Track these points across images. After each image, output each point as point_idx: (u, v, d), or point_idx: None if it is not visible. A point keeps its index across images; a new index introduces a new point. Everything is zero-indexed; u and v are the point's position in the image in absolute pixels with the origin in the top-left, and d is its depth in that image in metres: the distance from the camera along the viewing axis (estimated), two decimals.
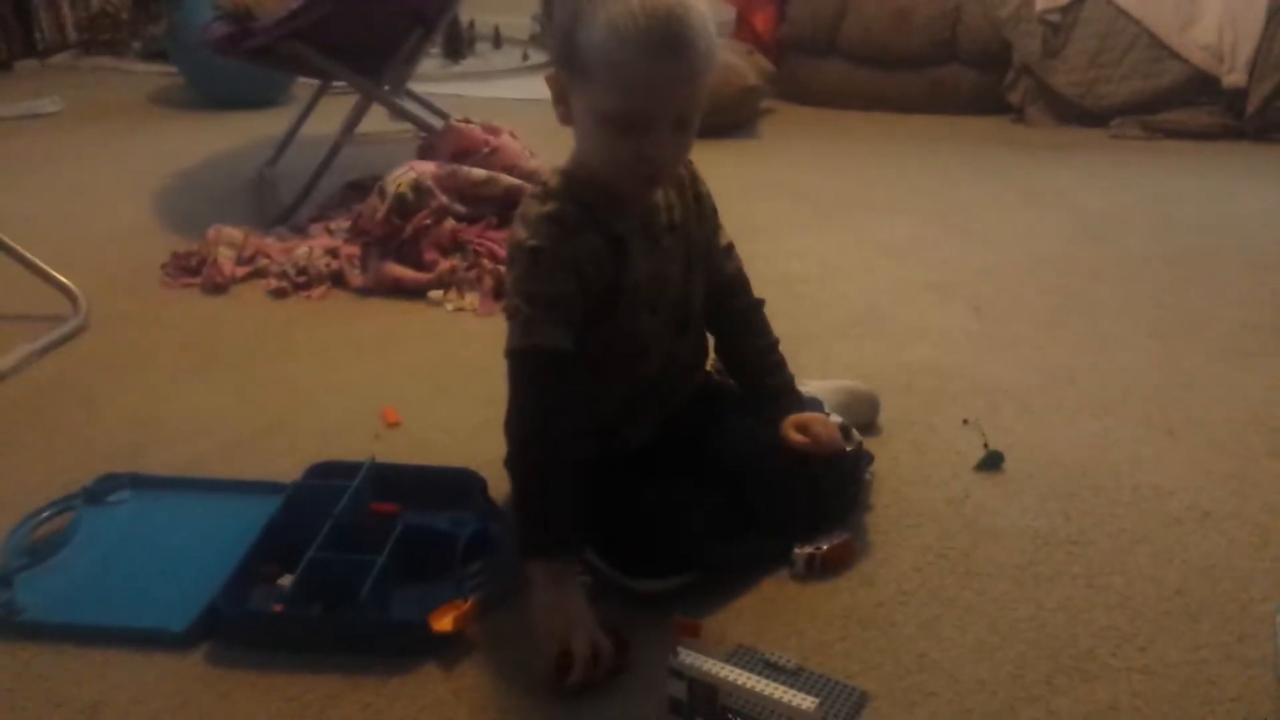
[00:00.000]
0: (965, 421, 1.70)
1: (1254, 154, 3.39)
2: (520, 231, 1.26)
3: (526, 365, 1.25)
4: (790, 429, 1.38)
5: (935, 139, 3.56)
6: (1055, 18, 3.64)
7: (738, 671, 1.07)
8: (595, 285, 1.27)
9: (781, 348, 1.48)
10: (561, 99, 1.24)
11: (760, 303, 1.49)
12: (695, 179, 1.39)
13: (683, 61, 1.16)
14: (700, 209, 1.39)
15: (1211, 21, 3.54)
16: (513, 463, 1.26)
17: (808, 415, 1.40)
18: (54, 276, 2.10)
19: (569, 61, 1.19)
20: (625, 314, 1.31)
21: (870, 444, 1.56)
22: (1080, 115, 3.68)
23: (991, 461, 1.59)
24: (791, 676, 1.16)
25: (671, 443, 1.41)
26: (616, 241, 1.28)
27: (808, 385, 1.66)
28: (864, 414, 1.66)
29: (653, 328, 1.35)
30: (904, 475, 1.56)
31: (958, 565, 1.37)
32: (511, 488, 1.28)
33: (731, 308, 1.46)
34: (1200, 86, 3.59)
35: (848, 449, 1.41)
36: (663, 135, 1.19)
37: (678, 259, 1.35)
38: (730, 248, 1.46)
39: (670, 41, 1.14)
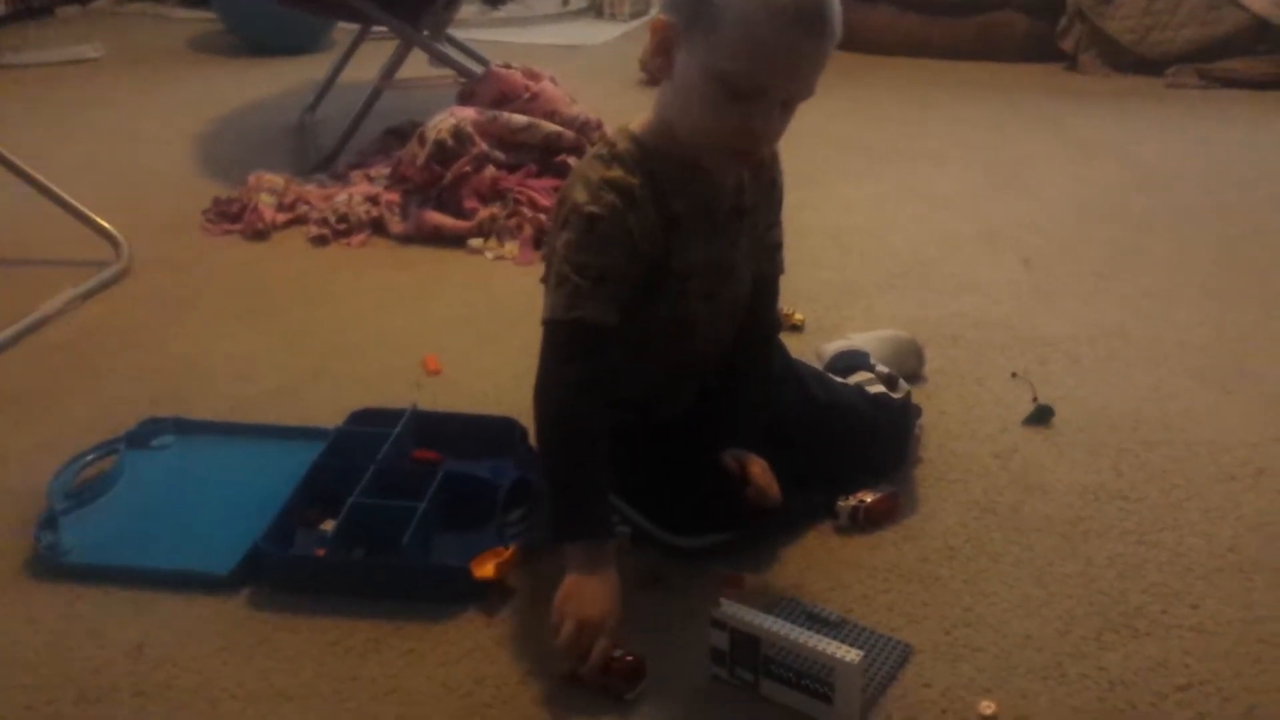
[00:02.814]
0: (1014, 375, 1.67)
1: None
2: (580, 193, 1.17)
3: (567, 338, 1.17)
4: (729, 458, 1.28)
5: (985, 87, 3.49)
6: None
7: (780, 622, 1.06)
8: (646, 263, 1.19)
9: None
10: (665, 49, 1.14)
11: (778, 325, 1.41)
12: (775, 162, 1.31)
13: (820, 40, 1.10)
14: (771, 196, 1.31)
15: None
16: (544, 440, 1.20)
17: (751, 458, 1.27)
18: (96, 221, 2.11)
19: (692, 12, 1.10)
20: (671, 299, 1.23)
21: (917, 397, 1.53)
22: (1135, 63, 3.59)
23: (1040, 415, 1.56)
24: (834, 629, 1.15)
25: (705, 398, 1.36)
26: (671, 220, 1.20)
27: (852, 337, 1.64)
28: (909, 364, 1.63)
29: (706, 314, 1.27)
30: (950, 429, 1.54)
31: (1005, 520, 1.35)
32: (543, 466, 1.24)
33: (756, 318, 1.34)
34: (1259, 34, 3.49)
35: (782, 502, 1.27)
36: (771, 111, 1.12)
37: (742, 245, 1.28)
38: (778, 249, 1.35)
39: (815, 16, 1.09)
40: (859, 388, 1.45)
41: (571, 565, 1.13)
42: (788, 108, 1.15)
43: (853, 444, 1.37)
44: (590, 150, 1.25)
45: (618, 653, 1.08)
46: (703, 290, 1.25)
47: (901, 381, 1.48)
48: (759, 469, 1.27)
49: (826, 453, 1.36)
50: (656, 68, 1.17)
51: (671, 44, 1.13)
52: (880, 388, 1.45)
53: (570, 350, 1.17)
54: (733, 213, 1.26)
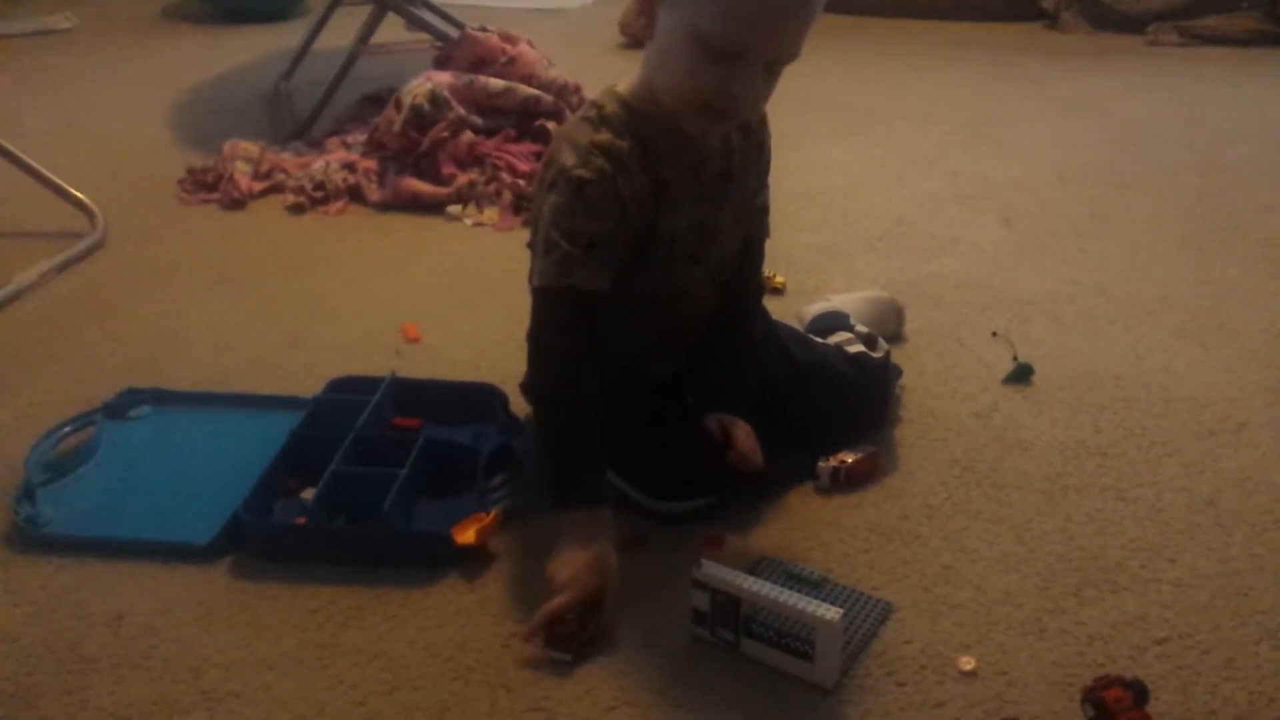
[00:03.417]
0: (994, 334, 1.67)
1: None
2: (568, 156, 1.16)
3: (559, 305, 1.17)
4: (713, 420, 1.28)
5: (965, 47, 3.47)
6: None
7: (760, 582, 1.06)
8: (635, 228, 1.19)
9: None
10: (648, 9, 1.13)
11: (762, 288, 1.40)
12: (763, 125, 1.29)
13: (801, 1, 1.09)
14: (759, 159, 1.30)
15: None
16: (542, 410, 1.21)
17: (736, 422, 1.28)
18: (71, 193, 2.08)
19: None
20: (660, 263, 1.23)
21: (897, 357, 1.53)
22: (1116, 21, 3.57)
23: (1020, 374, 1.56)
24: (815, 588, 1.15)
25: (692, 364, 1.37)
26: (660, 185, 1.19)
27: (831, 299, 1.64)
28: (889, 324, 1.63)
29: (695, 277, 1.27)
30: (931, 388, 1.54)
31: (985, 478, 1.35)
32: (540, 435, 1.24)
33: (741, 280, 1.34)
34: None
35: (763, 469, 1.27)
36: (753, 74, 1.10)
37: (729, 208, 1.27)
38: (764, 212, 1.34)
39: None
40: (838, 347, 1.45)
41: (566, 534, 1.13)
42: (771, 71, 1.12)
43: (834, 403, 1.37)
44: (577, 113, 1.23)
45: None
46: (689, 253, 1.25)
47: (881, 340, 1.48)
48: (743, 434, 1.27)
49: (808, 413, 1.36)
50: (640, 28, 1.16)
51: (654, 3, 1.12)
52: (860, 347, 1.46)
53: (564, 319, 1.17)
54: (720, 176, 1.25)
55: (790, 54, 1.12)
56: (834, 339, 1.48)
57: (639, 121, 1.18)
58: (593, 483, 1.16)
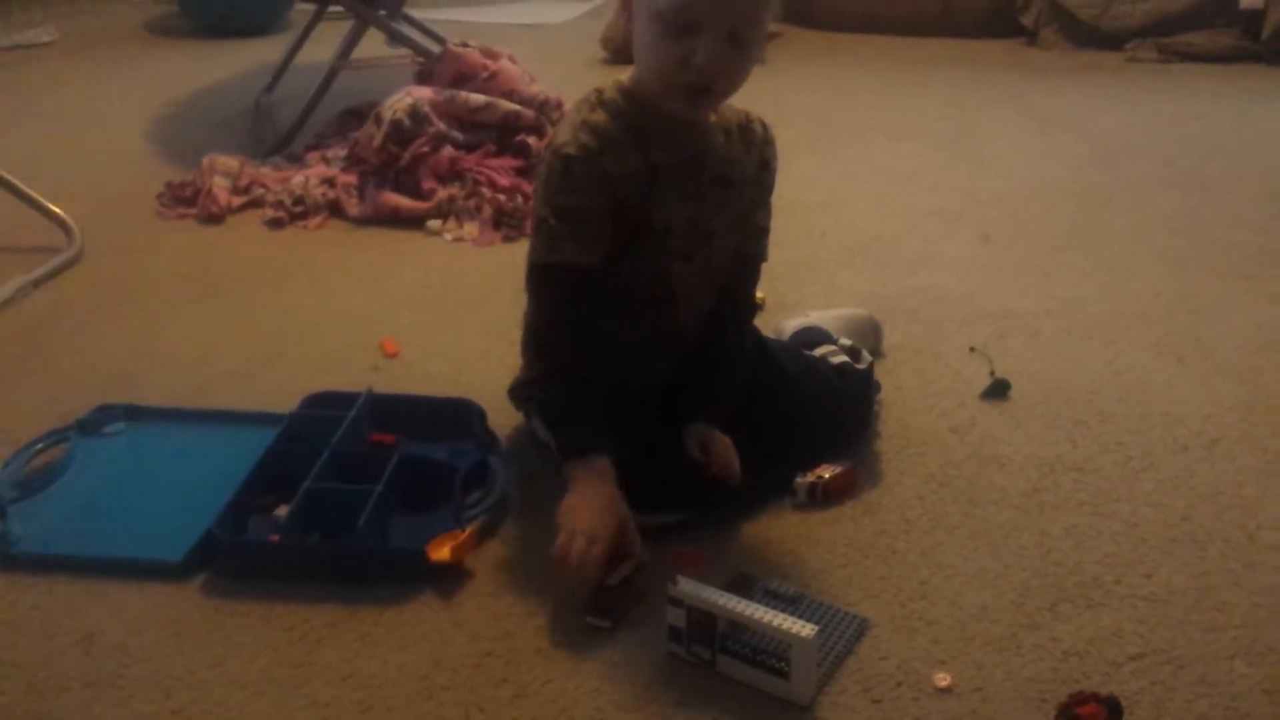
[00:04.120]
0: (972, 349, 1.68)
1: (1270, 77, 3.32)
2: (561, 134, 1.22)
3: (550, 281, 1.23)
4: (691, 435, 1.28)
5: (946, 63, 3.49)
6: None
7: (736, 599, 1.06)
8: (627, 211, 1.22)
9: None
10: (627, 3, 1.21)
11: (755, 307, 1.42)
12: (768, 144, 1.33)
13: None
14: (762, 177, 1.32)
15: None
16: (542, 375, 1.30)
17: (715, 436, 1.28)
18: (48, 208, 2.07)
19: None
20: (653, 255, 1.26)
21: (875, 372, 1.53)
22: (1095, 38, 3.60)
23: (998, 389, 1.56)
24: (791, 604, 1.15)
25: (677, 378, 1.36)
26: (653, 169, 1.23)
27: (810, 314, 1.64)
28: (867, 342, 1.63)
29: (686, 277, 1.29)
30: (909, 403, 1.54)
31: (961, 493, 1.35)
32: (543, 399, 1.32)
33: (733, 296, 1.36)
34: (1217, 8, 3.51)
35: (741, 477, 1.28)
36: (716, 45, 1.14)
37: (725, 215, 1.29)
38: (764, 232, 1.35)
39: None
40: (823, 359, 1.46)
41: (572, 483, 1.19)
42: (736, 42, 1.16)
43: (819, 414, 1.38)
44: (580, 98, 1.27)
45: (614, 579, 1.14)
46: (681, 250, 1.28)
47: (864, 353, 1.49)
48: (720, 446, 1.27)
49: (793, 424, 1.36)
50: (624, 24, 1.24)
51: None
52: (844, 358, 1.47)
53: (556, 294, 1.24)
54: (719, 180, 1.28)
55: (749, 21, 1.16)
56: (818, 351, 1.49)
57: (635, 107, 1.23)
58: (596, 434, 1.21)
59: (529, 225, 1.30)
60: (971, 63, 3.49)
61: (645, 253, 1.25)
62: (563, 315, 1.24)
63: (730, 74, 1.19)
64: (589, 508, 1.16)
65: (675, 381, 1.35)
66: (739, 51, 1.17)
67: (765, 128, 1.33)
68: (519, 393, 1.42)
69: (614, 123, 1.21)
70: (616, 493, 1.18)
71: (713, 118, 1.28)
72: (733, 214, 1.30)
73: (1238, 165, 2.52)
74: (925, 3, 3.78)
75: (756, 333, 1.44)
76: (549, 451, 1.33)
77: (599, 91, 1.25)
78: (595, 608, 1.13)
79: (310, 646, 1.11)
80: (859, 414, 1.45)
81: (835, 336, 1.53)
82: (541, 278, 1.24)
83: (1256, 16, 3.42)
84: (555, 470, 1.25)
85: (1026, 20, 3.68)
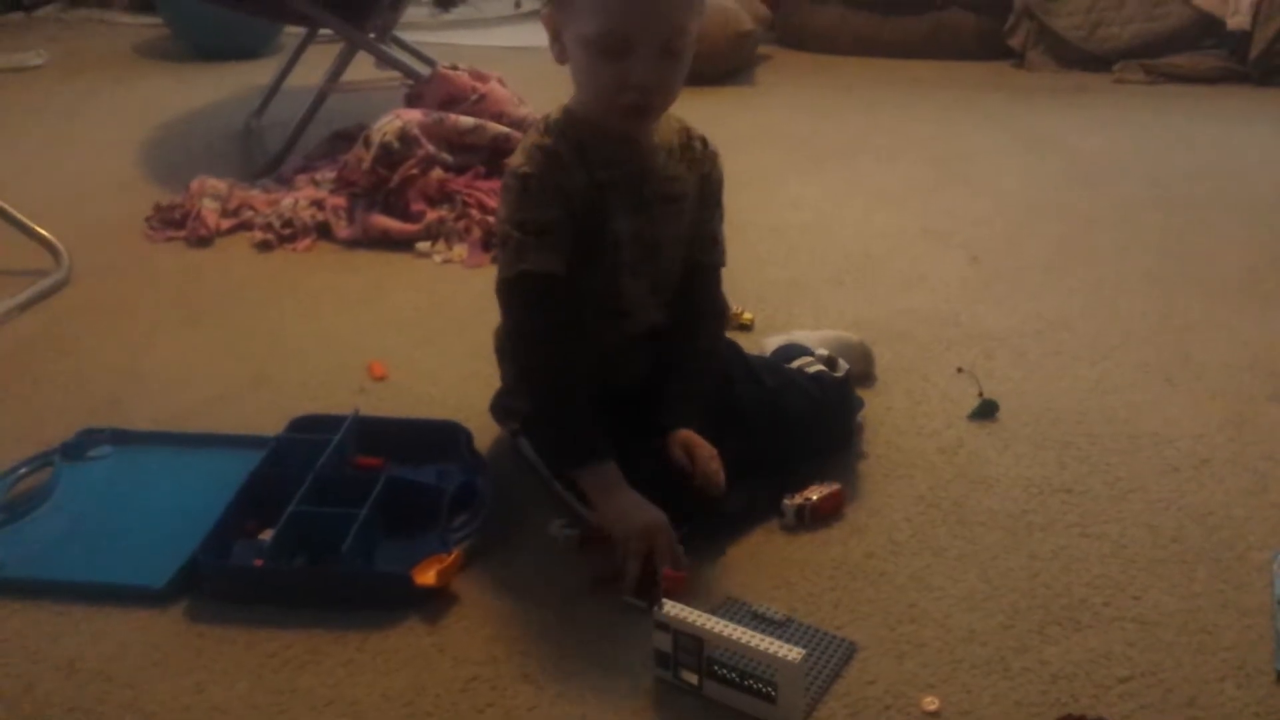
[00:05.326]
0: (959, 370, 1.68)
1: (1257, 98, 3.34)
2: (517, 157, 1.27)
3: (519, 292, 1.25)
4: (676, 444, 1.29)
5: (934, 84, 3.50)
6: None
7: (722, 623, 1.05)
8: (582, 225, 1.26)
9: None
10: (556, 38, 1.25)
11: (720, 312, 1.44)
12: (712, 161, 1.37)
13: None
14: (705, 189, 1.37)
15: None
16: (526, 388, 1.31)
17: (697, 439, 1.29)
18: (36, 230, 2.07)
19: None
20: (605, 270, 1.30)
21: (863, 393, 1.54)
22: (1083, 59, 3.63)
23: (985, 410, 1.56)
24: (779, 628, 1.14)
25: (655, 395, 1.37)
26: (599, 186, 1.27)
27: (796, 335, 1.64)
28: (855, 365, 1.63)
29: (636, 292, 1.34)
30: (897, 424, 1.54)
31: (950, 515, 1.35)
32: (531, 413, 1.33)
33: (693, 303, 1.39)
34: (1204, 29, 3.54)
35: (726, 493, 1.29)
36: (648, 61, 1.19)
37: (671, 229, 1.34)
38: (715, 241, 1.39)
39: None
40: (799, 370, 1.48)
41: (592, 493, 1.23)
42: (668, 54, 1.20)
43: (798, 422, 1.38)
44: (532, 124, 1.33)
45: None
46: (631, 264, 1.31)
47: (840, 361, 1.50)
48: (705, 454, 1.28)
49: (775, 436, 1.37)
50: (556, 54, 1.26)
51: (556, 28, 1.25)
52: (820, 367, 1.48)
53: (525, 302, 1.26)
54: (663, 197, 1.32)
55: (678, 32, 1.20)
56: (796, 364, 1.50)
57: (578, 127, 1.28)
58: (599, 438, 1.24)
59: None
60: (960, 84, 3.50)
61: (597, 267, 1.29)
62: (537, 324, 1.26)
63: (668, 86, 1.24)
64: (638, 506, 1.21)
65: (647, 395, 1.35)
66: (672, 63, 1.21)
67: (705, 142, 1.37)
68: (501, 406, 1.43)
69: (559, 143, 1.26)
70: (637, 496, 1.22)
71: (655, 137, 1.32)
72: (678, 228, 1.35)
73: (1224, 186, 2.54)
74: (913, 25, 3.80)
75: (737, 349, 1.47)
76: (536, 470, 1.35)
77: (545, 117, 1.30)
78: (642, 588, 1.17)
79: (294, 672, 1.10)
80: (839, 421, 1.45)
81: (813, 349, 1.55)
82: (512, 290, 1.26)
83: (1244, 38, 3.44)
84: (548, 486, 1.31)
85: (1014, 42, 3.70)
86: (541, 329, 1.26)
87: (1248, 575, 1.24)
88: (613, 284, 1.31)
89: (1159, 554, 1.28)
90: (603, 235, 1.28)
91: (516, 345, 1.31)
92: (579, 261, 1.27)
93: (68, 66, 3.70)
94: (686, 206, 1.35)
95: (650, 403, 1.34)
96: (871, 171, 2.65)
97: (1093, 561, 1.27)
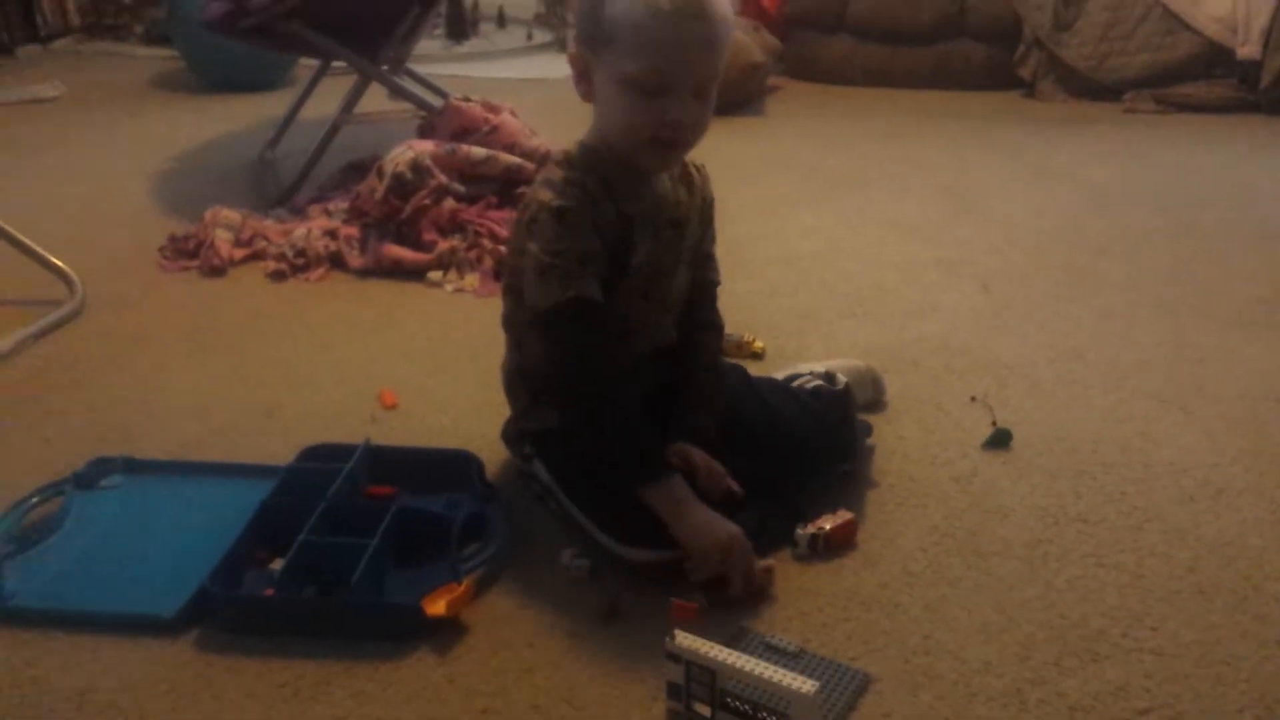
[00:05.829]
0: (973, 399, 1.67)
1: (1267, 127, 3.35)
2: (545, 193, 1.28)
3: (569, 317, 1.26)
4: (673, 458, 1.30)
5: (944, 115, 3.51)
6: None
7: (735, 654, 1.04)
8: (611, 256, 1.29)
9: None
10: (584, 76, 1.28)
11: (718, 327, 1.47)
12: (706, 182, 1.42)
13: (707, 24, 1.21)
14: (703, 211, 1.42)
15: None
16: (578, 415, 1.30)
17: (694, 451, 1.32)
18: (50, 261, 2.08)
19: (593, 35, 1.24)
20: (624, 295, 1.32)
21: (876, 421, 1.54)
22: (1092, 89, 3.64)
23: (999, 439, 1.55)
24: (792, 659, 1.13)
25: (662, 412, 1.37)
26: (626, 220, 1.30)
27: (802, 368, 1.64)
28: (866, 393, 1.63)
29: (644, 313, 1.36)
30: (910, 454, 1.53)
31: (964, 545, 1.34)
32: (586, 441, 1.30)
33: (694, 320, 1.44)
34: (1214, 59, 3.54)
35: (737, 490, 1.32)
36: (685, 101, 1.23)
37: (675, 253, 1.37)
38: (711, 258, 1.45)
39: (695, 6, 1.20)
40: (799, 387, 1.49)
41: (665, 508, 1.23)
42: (701, 96, 1.24)
43: (802, 436, 1.39)
44: (551, 159, 1.35)
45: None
46: (640, 287, 1.34)
47: (839, 376, 1.51)
48: (698, 458, 1.30)
49: (779, 449, 1.38)
50: (582, 93, 1.29)
51: (586, 69, 1.27)
52: (818, 382, 1.50)
53: (575, 326, 1.26)
54: (672, 222, 1.36)
55: (712, 75, 1.24)
56: (795, 382, 1.52)
57: (601, 162, 1.30)
58: (656, 455, 1.26)
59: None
60: (970, 114, 3.51)
61: (619, 291, 1.31)
62: (584, 348, 1.27)
63: (700, 125, 1.27)
64: (717, 519, 1.22)
65: (653, 413, 1.34)
66: (703, 104, 1.25)
67: (699, 168, 1.42)
68: (514, 433, 1.43)
69: (587, 178, 1.28)
70: (706, 509, 1.24)
71: None
72: (684, 250, 1.39)
73: (1233, 215, 2.53)
74: (923, 56, 3.81)
75: (741, 370, 1.51)
76: (551, 493, 1.36)
77: (566, 153, 1.32)
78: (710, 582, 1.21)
79: (304, 703, 1.10)
80: (841, 434, 1.45)
81: (813, 369, 1.56)
82: (558, 316, 1.26)
83: (1254, 67, 3.45)
84: (565, 511, 1.32)
85: (1024, 72, 3.71)
86: (594, 352, 1.27)
87: (1266, 606, 1.23)
88: (627, 306, 1.33)
89: (1176, 584, 1.27)
90: (626, 262, 1.31)
91: (568, 371, 1.29)
92: (605, 288, 1.29)
93: (83, 98, 3.74)
94: (689, 230, 1.39)
95: (657, 420, 1.34)
96: (882, 201, 2.66)
97: (1109, 592, 1.26)
